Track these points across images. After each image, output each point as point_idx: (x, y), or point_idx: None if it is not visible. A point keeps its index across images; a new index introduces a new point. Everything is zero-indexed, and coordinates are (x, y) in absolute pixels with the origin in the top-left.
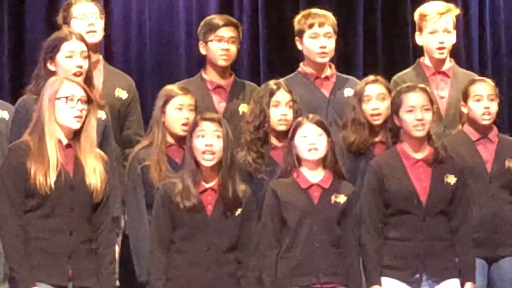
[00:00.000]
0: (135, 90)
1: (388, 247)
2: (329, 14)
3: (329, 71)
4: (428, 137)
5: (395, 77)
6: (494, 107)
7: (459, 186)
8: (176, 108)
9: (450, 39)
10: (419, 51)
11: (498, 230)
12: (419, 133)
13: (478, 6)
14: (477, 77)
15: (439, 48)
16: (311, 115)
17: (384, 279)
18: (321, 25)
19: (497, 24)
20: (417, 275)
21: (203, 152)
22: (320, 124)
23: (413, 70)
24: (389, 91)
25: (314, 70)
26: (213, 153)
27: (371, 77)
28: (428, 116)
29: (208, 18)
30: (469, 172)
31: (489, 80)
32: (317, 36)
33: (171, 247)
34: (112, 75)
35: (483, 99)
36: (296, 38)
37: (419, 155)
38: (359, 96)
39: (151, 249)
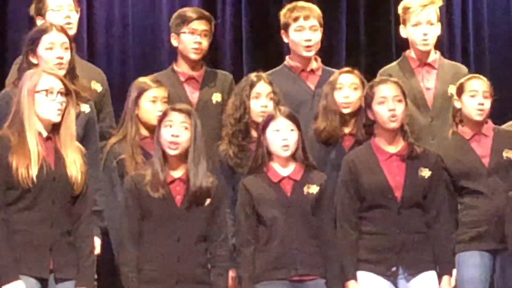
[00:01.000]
0: (107, 84)
1: (364, 241)
2: (314, 7)
3: (315, 64)
4: (403, 131)
5: (381, 71)
6: (487, 104)
7: (434, 179)
8: (150, 101)
9: (434, 31)
10: (402, 45)
11: (502, 223)
12: (393, 124)
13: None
14: (463, 68)
15: (423, 40)
16: (282, 108)
17: (360, 273)
18: (306, 18)
19: (479, 17)
20: (394, 268)
21: (169, 142)
22: (292, 118)
23: (398, 63)
24: (363, 83)
25: (299, 63)
26: (178, 144)
27: (345, 68)
28: (401, 107)
29: (181, 10)
30: (467, 172)
31: (484, 78)
32: (302, 29)
33: (141, 239)
34: (85, 68)
35: (478, 94)
36: (282, 31)
37: (392, 149)
38: (332, 85)
39: (122, 241)
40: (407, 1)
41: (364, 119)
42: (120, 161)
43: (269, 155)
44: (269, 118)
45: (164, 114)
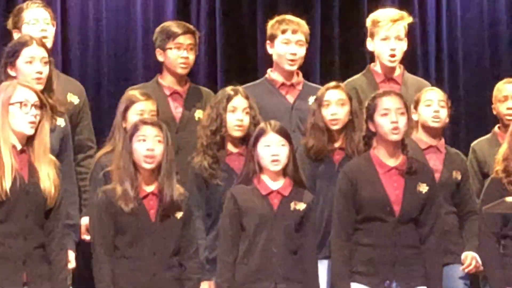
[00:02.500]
0: (85, 96)
1: (359, 253)
2: (303, 23)
3: (296, 78)
4: (403, 144)
5: (345, 83)
6: (444, 112)
7: (430, 195)
8: (138, 114)
9: (401, 46)
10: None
11: (444, 238)
12: (395, 136)
13: (435, 13)
14: (426, 83)
15: (391, 56)
16: (273, 123)
17: (353, 285)
18: (294, 32)
19: (453, 30)
20: (387, 282)
21: (145, 156)
22: (282, 133)
23: (363, 76)
24: (349, 97)
25: (281, 76)
26: (154, 157)
27: (332, 83)
28: (403, 120)
29: (165, 25)
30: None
31: (439, 90)
32: (289, 42)
33: (115, 254)
34: (62, 81)
35: (433, 103)
36: (268, 42)
37: (392, 162)
38: (319, 101)
39: (96, 256)
40: (376, 14)
41: (358, 130)
42: (106, 173)
43: (260, 168)
44: (260, 133)
45: (136, 129)
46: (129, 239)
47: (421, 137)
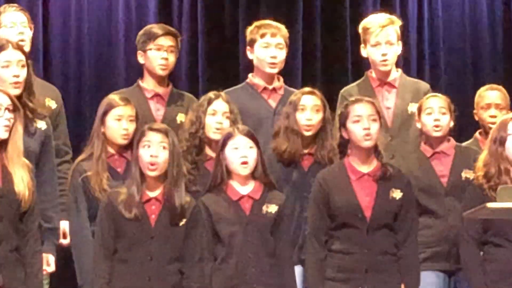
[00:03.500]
0: (62, 101)
1: (332, 259)
2: (282, 27)
3: (277, 83)
4: (376, 151)
5: (342, 91)
6: (445, 120)
7: (405, 201)
8: (115, 119)
9: (394, 50)
10: (358, 64)
11: (457, 243)
12: (367, 143)
13: (416, 19)
14: (424, 85)
15: (382, 61)
16: (241, 126)
17: None
18: (273, 35)
19: (435, 35)
20: None
21: (148, 163)
22: (250, 135)
23: (360, 83)
24: (324, 104)
25: (263, 80)
26: (157, 164)
27: (307, 88)
28: (375, 126)
29: (147, 27)
30: (425, 189)
31: (442, 95)
32: (269, 45)
33: (114, 257)
34: (40, 85)
35: (434, 111)
36: (248, 47)
37: (365, 169)
38: (294, 105)
39: (95, 259)
40: (366, 21)
41: (330, 138)
42: (85, 178)
43: (228, 173)
44: (228, 136)
45: (142, 134)
46: (128, 243)
47: (426, 147)
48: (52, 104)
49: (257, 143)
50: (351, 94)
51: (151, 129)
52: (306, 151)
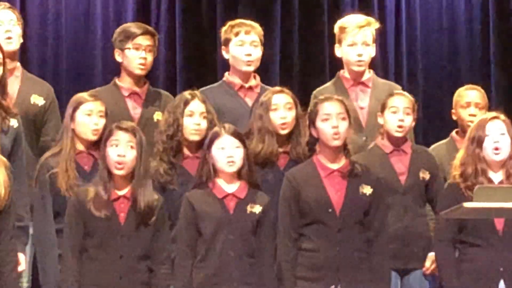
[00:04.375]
0: (54, 97)
1: (303, 258)
2: (256, 24)
3: (254, 81)
4: (345, 149)
5: (315, 92)
6: (408, 120)
7: (375, 197)
8: (86, 114)
9: (369, 52)
10: (335, 65)
11: (410, 243)
12: (335, 142)
13: (394, 19)
14: (397, 86)
15: (358, 61)
16: (227, 126)
17: None
18: (247, 33)
19: (413, 36)
20: (332, 287)
21: (115, 162)
22: (237, 135)
23: (333, 83)
24: (295, 101)
25: (239, 78)
26: (124, 163)
27: (277, 88)
28: (344, 125)
29: (124, 26)
30: (383, 185)
31: (408, 94)
32: (243, 43)
33: (83, 255)
34: (29, 82)
35: (398, 111)
36: (222, 47)
37: (335, 166)
38: (266, 106)
39: (64, 257)
40: (343, 21)
41: (304, 136)
42: (52, 175)
43: (215, 172)
44: (214, 136)
45: (110, 133)
46: (97, 241)
47: (385, 142)
48: (39, 101)
49: (243, 142)
50: (329, 93)
51: (119, 128)
52: (281, 150)
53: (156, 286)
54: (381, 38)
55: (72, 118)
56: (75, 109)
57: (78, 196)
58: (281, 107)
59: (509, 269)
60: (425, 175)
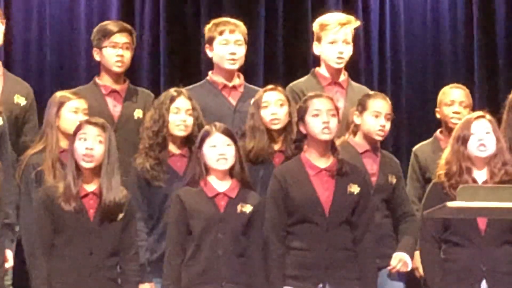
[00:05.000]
0: (33, 98)
1: (291, 256)
2: (240, 23)
3: (238, 80)
4: (333, 147)
5: (290, 85)
6: (388, 125)
7: (363, 196)
8: (72, 111)
9: (349, 50)
10: (319, 62)
11: (378, 242)
12: (326, 136)
13: (378, 19)
14: (369, 91)
15: (338, 58)
16: (218, 124)
17: None
18: (231, 32)
19: (397, 35)
20: (320, 285)
21: (83, 155)
22: (228, 133)
23: (309, 79)
24: (287, 98)
25: (223, 78)
26: (92, 156)
27: (269, 86)
28: (334, 121)
29: (102, 24)
30: (370, 185)
31: (388, 99)
32: (228, 42)
33: (53, 252)
34: (11, 81)
35: (381, 116)
36: (206, 45)
37: (322, 164)
38: (257, 104)
39: (33, 253)
40: (324, 18)
41: (295, 133)
42: (38, 173)
43: (207, 170)
44: (205, 134)
45: (79, 127)
46: (66, 238)
47: (359, 141)
48: (21, 100)
49: (235, 140)
50: (301, 89)
51: (88, 122)
52: (276, 148)
53: (125, 282)
54: (365, 37)
55: (57, 115)
56: (60, 106)
57: (47, 193)
58: (272, 104)
59: (492, 268)
60: (392, 179)
